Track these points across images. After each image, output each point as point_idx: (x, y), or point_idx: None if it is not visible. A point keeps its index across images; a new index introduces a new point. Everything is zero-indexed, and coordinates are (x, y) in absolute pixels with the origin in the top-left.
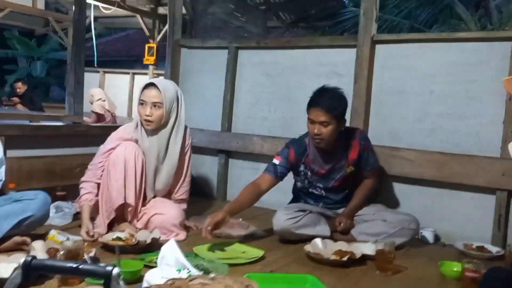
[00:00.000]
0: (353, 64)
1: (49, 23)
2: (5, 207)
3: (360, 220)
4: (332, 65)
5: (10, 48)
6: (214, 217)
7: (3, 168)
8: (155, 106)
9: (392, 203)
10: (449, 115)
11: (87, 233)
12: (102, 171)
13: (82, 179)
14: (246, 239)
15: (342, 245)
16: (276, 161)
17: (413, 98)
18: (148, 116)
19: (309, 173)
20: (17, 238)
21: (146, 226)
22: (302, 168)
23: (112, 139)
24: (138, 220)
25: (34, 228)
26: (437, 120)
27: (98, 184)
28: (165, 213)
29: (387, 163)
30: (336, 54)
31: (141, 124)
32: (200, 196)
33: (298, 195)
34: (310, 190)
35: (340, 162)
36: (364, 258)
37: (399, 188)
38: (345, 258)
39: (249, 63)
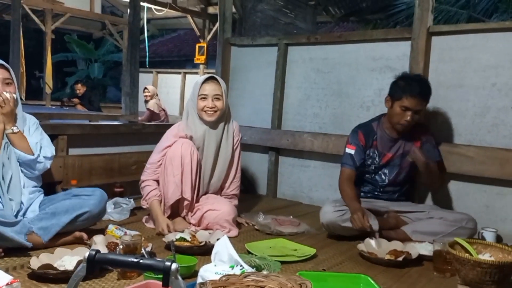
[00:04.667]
0: (407, 58)
1: (105, 26)
2: (65, 201)
3: (414, 218)
4: (386, 59)
5: (70, 51)
6: (360, 210)
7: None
8: (216, 98)
9: (450, 202)
10: None
11: (168, 228)
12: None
13: (143, 178)
14: (297, 237)
15: (397, 245)
16: (350, 150)
17: (473, 91)
18: (211, 108)
19: (377, 158)
20: (76, 233)
21: (199, 222)
22: (370, 151)
23: (168, 137)
24: (191, 216)
25: (91, 223)
26: (500, 114)
27: (158, 181)
28: (218, 209)
29: (445, 160)
30: (389, 47)
31: (200, 118)
32: (251, 193)
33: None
34: (374, 176)
35: (405, 148)
36: (421, 258)
37: (457, 187)
38: (400, 258)
39: (299, 60)
